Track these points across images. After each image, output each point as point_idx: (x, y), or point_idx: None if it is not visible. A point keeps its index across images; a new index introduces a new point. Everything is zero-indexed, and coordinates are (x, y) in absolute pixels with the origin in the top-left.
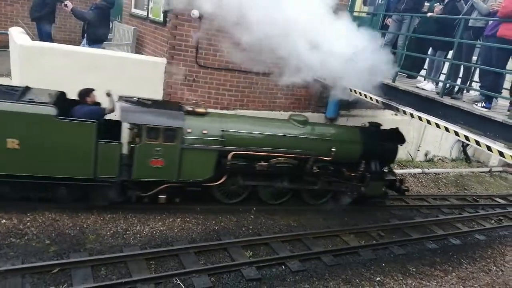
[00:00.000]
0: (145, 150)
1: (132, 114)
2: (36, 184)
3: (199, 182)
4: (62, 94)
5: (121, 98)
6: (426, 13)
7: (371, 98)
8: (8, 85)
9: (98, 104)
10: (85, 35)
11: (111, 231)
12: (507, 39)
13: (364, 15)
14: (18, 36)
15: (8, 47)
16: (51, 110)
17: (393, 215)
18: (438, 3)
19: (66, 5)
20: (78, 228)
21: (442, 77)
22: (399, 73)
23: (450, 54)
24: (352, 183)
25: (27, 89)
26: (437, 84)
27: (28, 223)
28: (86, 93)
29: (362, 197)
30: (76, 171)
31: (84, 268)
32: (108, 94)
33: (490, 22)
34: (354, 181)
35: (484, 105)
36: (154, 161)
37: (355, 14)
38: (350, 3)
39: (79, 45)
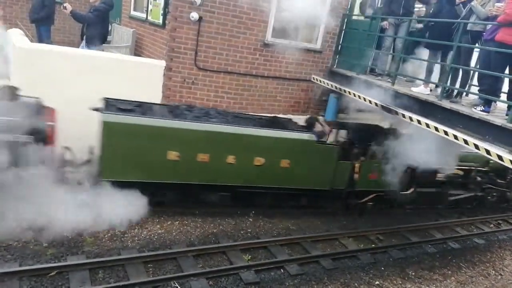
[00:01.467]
0: (367, 166)
1: None
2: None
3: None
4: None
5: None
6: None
7: (370, 102)
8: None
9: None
10: (84, 37)
11: (109, 234)
12: (508, 44)
13: (362, 18)
14: (17, 38)
15: None
16: (313, 137)
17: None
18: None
19: (65, 8)
20: (75, 231)
21: (434, 79)
22: (397, 76)
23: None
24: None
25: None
26: (436, 86)
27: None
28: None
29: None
30: (319, 184)
31: (81, 271)
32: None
33: (489, 26)
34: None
35: (483, 108)
36: (371, 175)
37: (354, 17)
38: (349, 7)
39: (78, 47)
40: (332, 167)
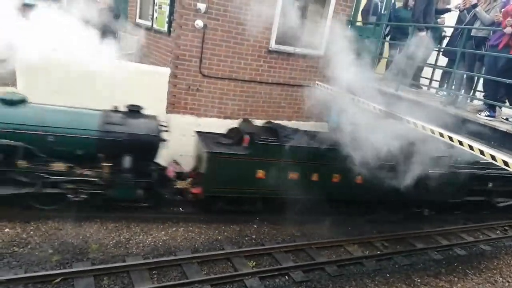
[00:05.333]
0: None
1: None
2: None
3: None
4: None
5: None
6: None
7: (374, 107)
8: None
9: None
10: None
11: (114, 241)
12: None
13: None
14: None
15: None
16: None
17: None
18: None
19: None
20: (81, 237)
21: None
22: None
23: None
24: None
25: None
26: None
27: (31, 232)
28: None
29: None
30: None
31: (86, 278)
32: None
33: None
34: None
35: (489, 114)
36: None
37: (358, 24)
38: (353, 13)
39: None
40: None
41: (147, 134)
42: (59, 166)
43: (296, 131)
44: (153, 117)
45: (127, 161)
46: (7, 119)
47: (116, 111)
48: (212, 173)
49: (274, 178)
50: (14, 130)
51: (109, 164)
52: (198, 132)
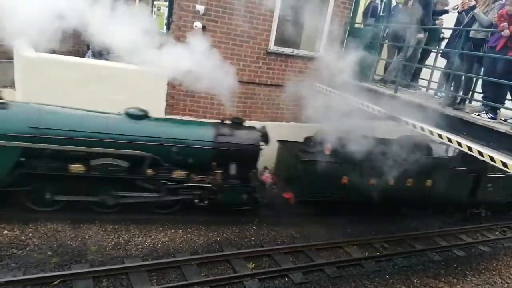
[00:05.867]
0: None
1: None
2: None
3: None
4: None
5: None
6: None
7: (373, 109)
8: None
9: None
10: (90, 46)
11: (113, 242)
12: None
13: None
14: (22, 47)
15: (12, 58)
16: None
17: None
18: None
19: None
20: (79, 239)
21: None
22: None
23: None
24: None
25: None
26: (435, 94)
27: (30, 234)
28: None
29: None
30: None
31: (85, 280)
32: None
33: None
34: None
35: (492, 115)
36: None
37: (356, 25)
38: (351, 15)
39: (84, 57)
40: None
41: (251, 144)
42: (179, 173)
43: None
44: (253, 128)
45: (233, 169)
46: (136, 132)
47: (223, 123)
48: (304, 180)
49: (356, 183)
50: (143, 142)
51: (221, 172)
52: (280, 141)
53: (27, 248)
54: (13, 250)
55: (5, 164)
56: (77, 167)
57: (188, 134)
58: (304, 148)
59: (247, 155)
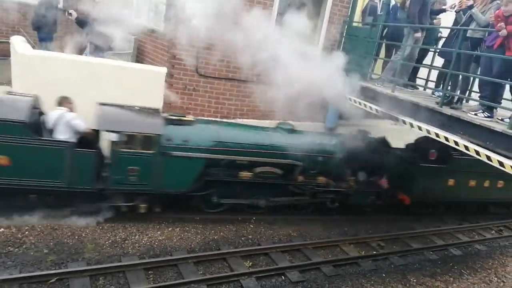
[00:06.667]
0: None
1: None
2: None
3: None
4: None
5: None
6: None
7: (370, 108)
8: None
9: None
10: (88, 44)
11: (110, 241)
12: None
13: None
14: (19, 44)
15: (9, 55)
16: None
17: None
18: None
19: (70, 14)
20: (76, 237)
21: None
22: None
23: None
24: None
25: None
26: (433, 93)
27: (27, 232)
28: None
29: None
30: None
31: (82, 278)
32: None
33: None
34: None
35: (488, 114)
36: None
37: (355, 24)
38: (349, 13)
39: (81, 54)
40: None
41: (375, 153)
42: (322, 179)
43: None
44: (372, 138)
45: (362, 175)
46: (289, 144)
47: (351, 135)
48: (418, 183)
49: (461, 185)
50: (295, 153)
51: (353, 178)
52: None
53: (24, 246)
54: (9, 248)
55: (194, 173)
56: (245, 174)
57: (330, 145)
58: (412, 155)
59: (375, 163)
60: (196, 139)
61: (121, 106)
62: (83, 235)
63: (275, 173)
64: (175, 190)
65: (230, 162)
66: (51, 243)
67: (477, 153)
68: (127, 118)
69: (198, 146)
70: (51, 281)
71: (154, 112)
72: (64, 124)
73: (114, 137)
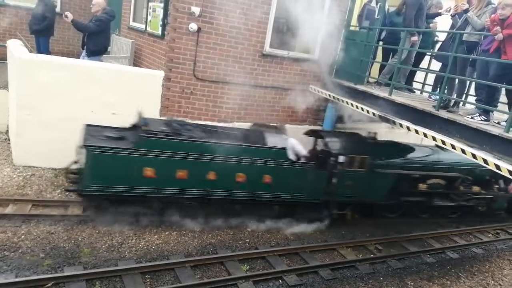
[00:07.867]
0: None
1: None
2: None
3: None
4: None
5: None
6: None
7: (367, 111)
8: None
9: None
10: (85, 47)
11: (106, 245)
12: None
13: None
14: (16, 48)
15: (5, 59)
16: None
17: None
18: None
19: (66, 16)
20: (73, 241)
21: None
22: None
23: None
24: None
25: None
26: (429, 96)
27: (23, 236)
28: None
29: None
30: None
31: (78, 282)
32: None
33: (484, 37)
34: None
35: (485, 118)
36: None
37: (352, 28)
38: (346, 17)
39: (78, 58)
40: None
41: None
42: (476, 188)
43: None
44: None
45: (501, 183)
46: (453, 160)
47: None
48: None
49: None
50: (459, 167)
51: (498, 186)
52: None
53: (20, 250)
54: (5, 252)
55: (388, 185)
56: (422, 185)
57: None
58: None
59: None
60: (388, 158)
61: (339, 133)
62: (80, 239)
63: (441, 184)
64: (374, 200)
65: (411, 176)
66: (47, 247)
67: (474, 156)
68: (351, 145)
69: (394, 164)
70: (47, 285)
71: (367, 137)
72: (290, 149)
73: (341, 159)
